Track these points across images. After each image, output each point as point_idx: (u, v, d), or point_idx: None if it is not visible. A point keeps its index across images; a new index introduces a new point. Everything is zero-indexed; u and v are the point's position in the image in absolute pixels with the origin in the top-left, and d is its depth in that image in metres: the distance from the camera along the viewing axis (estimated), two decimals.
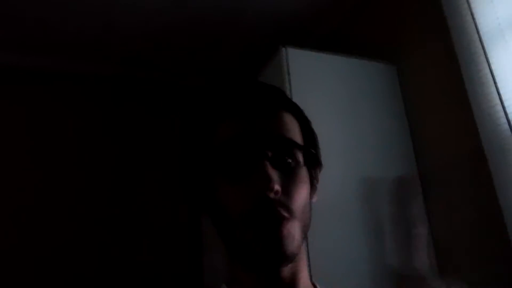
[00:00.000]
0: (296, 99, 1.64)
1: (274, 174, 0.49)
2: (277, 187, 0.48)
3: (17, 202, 2.28)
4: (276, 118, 0.54)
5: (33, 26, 2.28)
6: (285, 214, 0.49)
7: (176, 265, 2.50)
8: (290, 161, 0.52)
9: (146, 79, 2.87)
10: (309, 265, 1.36)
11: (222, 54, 2.76)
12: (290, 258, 0.49)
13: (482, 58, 1.51)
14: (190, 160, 0.59)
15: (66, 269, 2.26)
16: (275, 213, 0.48)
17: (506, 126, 1.41)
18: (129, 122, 2.74)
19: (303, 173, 0.54)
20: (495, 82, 1.46)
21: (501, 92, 1.44)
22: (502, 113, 1.43)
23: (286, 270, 0.52)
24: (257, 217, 0.48)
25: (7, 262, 2.14)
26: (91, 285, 2.27)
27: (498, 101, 1.45)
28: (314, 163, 0.58)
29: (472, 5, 1.56)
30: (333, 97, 1.72)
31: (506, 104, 1.42)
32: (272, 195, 0.48)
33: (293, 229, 0.50)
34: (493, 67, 1.48)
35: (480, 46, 1.52)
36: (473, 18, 1.55)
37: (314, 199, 0.58)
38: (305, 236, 0.53)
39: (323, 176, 0.62)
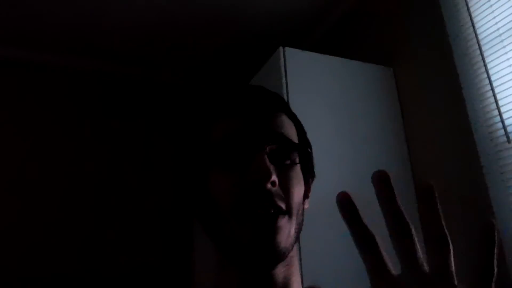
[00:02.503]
0: (292, 99, 1.63)
1: (271, 167, 0.49)
2: (274, 177, 0.48)
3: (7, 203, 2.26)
4: (274, 117, 0.55)
5: (21, 19, 2.24)
6: (282, 206, 0.49)
7: (166, 264, 2.48)
8: (286, 159, 0.53)
9: (140, 79, 2.85)
10: (301, 270, 1.34)
11: (220, 53, 2.74)
12: (282, 254, 0.49)
13: (480, 64, 1.51)
14: (185, 157, 0.59)
15: (56, 269, 2.24)
16: (272, 203, 0.48)
17: (502, 132, 1.41)
18: (122, 122, 2.71)
19: (299, 172, 0.54)
20: (492, 89, 1.46)
21: (498, 98, 1.44)
22: (498, 119, 1.43)
23: (278, 273, 0.51)
24: (251, 207, 0.48)
25: None
26: (84, 286, 2.26)
27: (494, 107, 1.45)
28: (308, 167, 0.58)
29: (472, 10, 1.56)
30: (330, 98, 1.71)
31: (502, 110, 1.42)
32: (269, 185, 0.48)
33: (289, 224, 0.49)
34: (491, 73, 1.48)
35: (478, 52, 1.52)
36: (472, 23, 1.54)
37: (306, 205, 0.57)
38: (297, 237, 0.52)
39: (318, 177, 0.62)
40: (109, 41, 2.52)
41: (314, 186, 0.61)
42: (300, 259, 1.36)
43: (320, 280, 1.38)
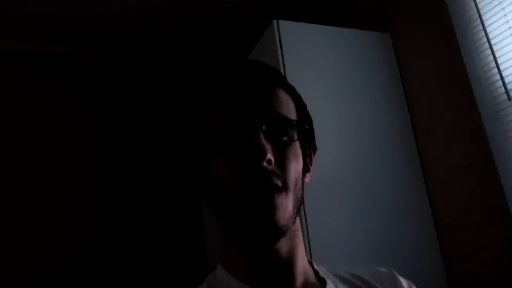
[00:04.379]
0: (289, 72, 1.63)
1: (267, 145, 0.49)
2: (269, 156, 0.49)
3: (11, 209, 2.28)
4: (271, 94, 0.55)
5: (17, 10, 2.23)
6: (278, 183, 0.49)
7: (178, 244, 2.53)
8: (283, 136, 0.53)
9: (135, 59, 2.83)
10: (308, 242, 1.37)
11: (214, 29, 2.71)
12: (282, 230, 0.49)
13: (478, 23, 1.49)
14: (185, 136, 0.61)
15: (68, 254, 2.29)
16: (268, 181, 0.49)
17: (502, 90, 1.41)
18: (125, 105, 2.71)
19: (296, 148, 0.55)
20: (491, 47, 1.44)
21: (497, 55, 1.43)
22: (498, 77, 1.42)
23: (282, 247, 0.52)
24: (249, 186, 0.49)
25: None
26: (97, 267, 2.30)
27: (494, 65, 1.43)
28: (307, 141, 0.58)
29: None
30: (327, 69, 1.70)
31: (502, 68, 1.41)
32: (264, 164, 0.48)
33: (286, 200, 0.50)
34: (489, 30, 1.46)
35: (476, 11, 1.49)
36: None
37: (307, 179, 0.58)
38: (297, 211, 0.53)
39: (319, 150, 0.62)
40: (106, 26, 2.49)
41: (315, 159, 0.61)
42: (307, 231, 1.39)
43: (327, 252, 1.41)
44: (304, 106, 0.60)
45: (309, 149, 0.59)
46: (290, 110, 0.55)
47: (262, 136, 0.50)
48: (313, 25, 1.76)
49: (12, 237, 2.21)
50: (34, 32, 2.44)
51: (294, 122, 0.54)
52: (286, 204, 0.50)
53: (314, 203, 1.42)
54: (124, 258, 2.37)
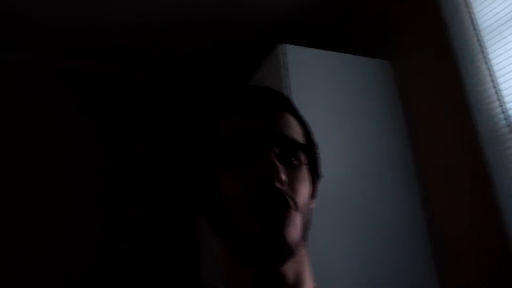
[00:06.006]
0: (293, 96, 1.63)
1: (280, 166, 0.49)
2: (282, 175, 0.49)
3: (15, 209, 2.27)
4: (281, 117, 0.55)
5: (26, 23, 2.25)
6: (290, 203, 0.49)
7: (173, 263, 2.49)
8: (294, 160, 0.53)
9: (141, 78, 2.85)
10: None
11: (218, 51, 2.74)
12: (291, 246, 0.48)
13: (480, 54, 1.51)
14: (191, 155, 0.59)
15: (63, 267, 2.25)
16: (281, 198, 0.48)
17: (504, 122, 1.41)
18: (125, 122, 2.71)
19: (306, 173, 0.55)
20: (492, 78, 1.45)
21: (499, 87, 1.44)
22: (499, 109, 1.43)
23: (288, 270, 0.51)
24: (261, 202, 0.48)
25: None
26: (89, 283, 2.26)
27: (495, 97, 1.44)
28: (315, 168, 0.58)
29: (470, 1, 1.55)
30: (330, 93, 1.71)
31: (503, 100, 1.42)
32: (277, 184, 0.48)
33: (296, 220, 0.50)
34: (491, 63, 1.47)
35: (477, 42, 1.52)
36: (471, 14, 1.54)
37: (313, 205, 0.58)
38: (305, 235, 0.52)
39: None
40: (110, 42, 2.52)
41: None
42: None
43: (324, 275, 1.39)
44: (311, 134, 0.60)
45: (315, 175, 0.59)
46: (298, 135, 0.56)
47: (273, 155, 0.50)
48: (318, 50, 1.79)
49: (12, 241, 2.20)
50: (38, 44, 2.46)
51: (304, 146, 0.55)
52: (296, 221, 0.50)
53: (313, 225, 1.41)
54: (114, 272, 2.33)
